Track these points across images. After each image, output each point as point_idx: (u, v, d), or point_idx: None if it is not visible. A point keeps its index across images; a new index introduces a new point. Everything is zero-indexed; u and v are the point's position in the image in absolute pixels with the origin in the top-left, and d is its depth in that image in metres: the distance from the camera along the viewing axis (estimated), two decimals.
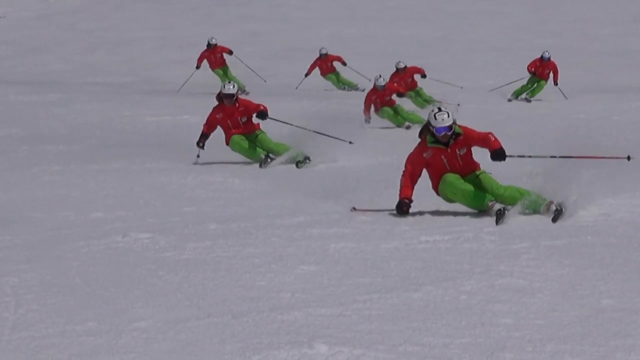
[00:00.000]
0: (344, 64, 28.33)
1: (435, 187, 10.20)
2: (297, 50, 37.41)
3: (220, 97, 14.77)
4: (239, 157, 14.80)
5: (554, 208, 9.60)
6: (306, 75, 28.32)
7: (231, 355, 5.68)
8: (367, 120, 20.13)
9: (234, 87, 14.92)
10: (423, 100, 23.16)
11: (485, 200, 9.89)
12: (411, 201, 10.01)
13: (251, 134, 14.82)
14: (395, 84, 21.46)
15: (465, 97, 24.31)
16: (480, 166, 10.22)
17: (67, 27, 46.65)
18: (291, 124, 14.69)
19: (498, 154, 9.93)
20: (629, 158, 10.09)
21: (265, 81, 28.27)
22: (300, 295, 6.94)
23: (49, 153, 16.11)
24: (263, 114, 14.63)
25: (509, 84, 26.52)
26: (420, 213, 10.05)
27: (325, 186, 12.08)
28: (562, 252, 8.18)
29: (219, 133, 14.86)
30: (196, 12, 49.66)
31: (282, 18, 47.65)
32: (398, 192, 10.08)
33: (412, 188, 10.09)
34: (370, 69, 27.64)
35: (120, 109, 22.46)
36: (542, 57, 26.09)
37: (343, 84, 28.51)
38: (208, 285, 7.26)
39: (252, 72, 27.78)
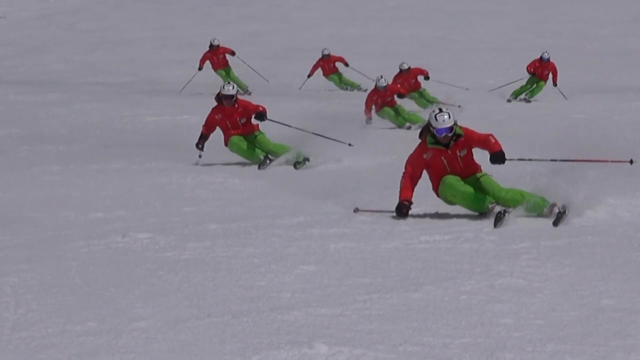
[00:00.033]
0: (347, 64, 28.31)
1: (436, 189, 10.09)
2: (297, 50, 37.42)
3: (220, 98, 14.73)
4: (239, 157, 14.78)
5: (557, 210, 9.50)
6: (309, 76, 28.30)
7: (231, 355, 5.68)
8: (369, 120, 20.06)
9: (233, 88, 14.89)
10: (427, 101, 23.12)
11: (485, 203, 9.78)
12: (411, 203, 9.92)
13: (250, 135, 14.78)
14: (399, 85, 21.46)
15: (466, 97, 24.27)
16: (482, 168, 10.10)
17: (67, 27, 46.65)
18: (290, 126, 14.66)
19: (497, 157, 9.78)
20: (631, 162, 9.91)
21: (268, 81, 28.26)
22: (300, 295, 6.94)
23: (48, 153, 16.10)
24: (262, 115, 14.59)
25: (508, 84, 26.49)
26: (420, 214, 10.03)
27: (325, 186, 12.06)
28: (562, 252, 8.18)
29: (219, 133, 14.84)
30: (196, 12, 49.67)
31: (282, 18, 47.66)
32: (398, 194, 10.02)
33: (412, 189, 9.99)
34: (370, 69, 27.64)
35: (120, 109, 22.46)
36: (541, 57, 25.97)
37: (345, 85, 28.50)
38: (208, 285, 7.26)
39: (254, 73, 27.76)
